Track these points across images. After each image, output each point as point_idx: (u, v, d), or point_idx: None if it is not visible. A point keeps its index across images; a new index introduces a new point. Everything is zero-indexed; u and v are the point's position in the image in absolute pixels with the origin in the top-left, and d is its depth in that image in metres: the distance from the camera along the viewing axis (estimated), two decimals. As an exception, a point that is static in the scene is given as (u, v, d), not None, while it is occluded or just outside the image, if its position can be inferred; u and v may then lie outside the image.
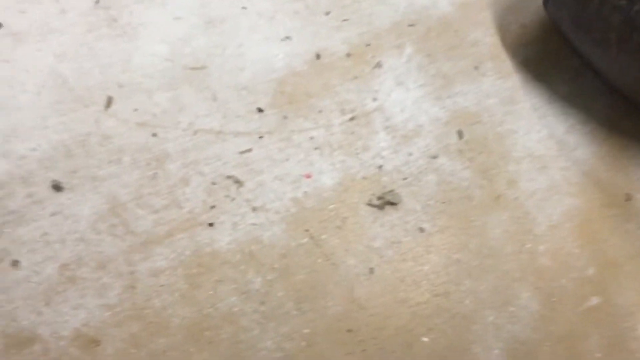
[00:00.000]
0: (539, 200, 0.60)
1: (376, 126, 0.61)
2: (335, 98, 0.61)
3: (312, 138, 0.60)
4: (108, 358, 0.52)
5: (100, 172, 0.56)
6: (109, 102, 0.58)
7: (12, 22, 0.60)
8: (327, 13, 0.65)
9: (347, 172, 0.59)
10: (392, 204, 0.58)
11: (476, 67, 0.64)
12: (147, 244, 0.55)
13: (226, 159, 0.58)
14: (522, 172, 0.61)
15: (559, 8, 0.60)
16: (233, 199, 0.57)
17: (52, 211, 0.55)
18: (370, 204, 0.59)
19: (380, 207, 0.59)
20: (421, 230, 0.58)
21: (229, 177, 0.57)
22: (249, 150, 0.58)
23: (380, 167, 0.60)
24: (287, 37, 0.64)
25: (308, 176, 0.58)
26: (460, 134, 0.62)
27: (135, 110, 0.58)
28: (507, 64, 0.63)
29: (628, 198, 0.61)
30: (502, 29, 0.67)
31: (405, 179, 0.59)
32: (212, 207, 0.57)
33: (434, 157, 0.60)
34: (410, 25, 0.65)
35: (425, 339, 0.56)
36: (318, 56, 0.62)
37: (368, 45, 0.64)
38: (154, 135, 0.58)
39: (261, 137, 0.59)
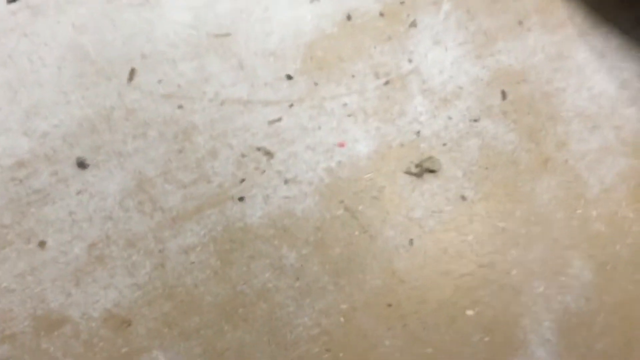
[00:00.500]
0: (590, 162, 0.57)
1: (413, 90, 0.58)
2: (369, 61, 0.59)
3: (345, 104, 0.57)
4: (140, 338, 0.52)
5: (125, 147, 0.55)
6: (132, 74, 0.57)
7: (30, -6, 0.59)
8: (358, -29, 0.63)
9: (383, 139, 0.57)
10: (431, 171, 0.56)
11: (520, 22, 0.61)
12: (176, 220, 0.54)
13: (255, 130, 0.56)
14: (572, 133, 0.58)
15: None
16: (263, 172, 0.55)
17: (78, 189, 0.54)
18: (408, 172, 0.56)
19: (419, 175, 0.56)
20: (463, 198, 0.56)
21: (258, 148, 0.56)
22: (279, 119, 0.56)
23: (418, 132, 0.57)
24: (316, -2, 0.61)
25: (342, 145, 0.56)
26: (503, 95, 0.59)
27: (160, 81, 0.57)
28: (554, 16, 0.59)
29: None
30: (547, -20, 0.63)
31: (444, 144, 0.57)
32: (242, 180, 0.55)
33: (476, 120, 0.58)
34: (447, -21, 0.62)
35: (470, 312, 0.54)
36: (349, 17, 0.60)
37: (402, 2, 0.61)
38: (180, 107, 0.56)
39: (291, 105, 0.57)
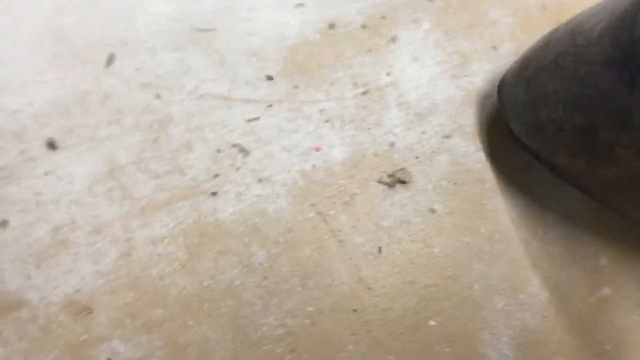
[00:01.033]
0: (550, 186, 0.60)
1: (389, 102, 0.60)
2: (348, 70, 0.61)
3: (322, 110, 0.59)
4: (100, 327, 0.51)
5: (99, 132, 0.55)
6: (111, 59, 0.57)
7: (9, -30, 0.59)
8: (340, -16, 0.65)
9: (358, 147, 0.59)
10: (403, 182, 0.58)
11: (494, 47, 0.64)
12: (146, 210, 0.54)
13: (232, 127, 0.57)
14: (537, 156, 0.61)
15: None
16: (238, 169, 0.56)
17: (46, 170, 0.53)
18: (380, 181, 0.58)
19: (391, 185, 0.58)
20: (432, 211, 0.58)
21: (234, 145, 0.56)
22: (257, 118, 0.57)
23: (392, 144, 0.59)
24: (301, 4, 0.63)
25: (318, 149, 0.58)
26: (475, 115, 0.61)
27: (138, 69, 0.57)
28: (526, 45, 0.63)
29: None
30: (522, 10, 0.66)
31: (417, 157, 0.59)
32: (216, 175, 0.55)
33: (448, 136, 0.60)
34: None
35: (432, 323, 0.55)
36: (332, 26, 0.62)
37: (384, 17, 0.63)
38: (158, 97, 0.56)
39: (270, 105, 0.58)
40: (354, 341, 0.54)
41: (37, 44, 0.56)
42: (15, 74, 0.55)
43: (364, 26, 0.63)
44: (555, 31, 0.53)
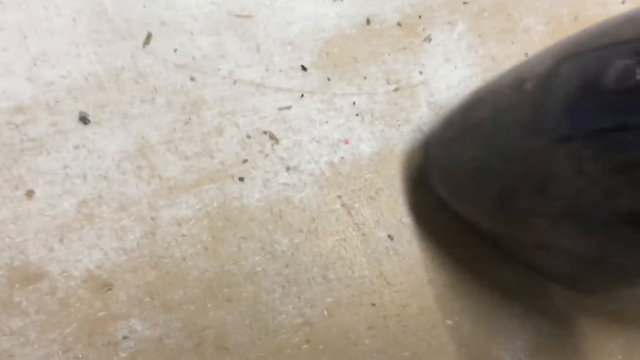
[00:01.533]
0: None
1: (420, 100, 0.58)
2: (382, 66, 0.58)
3: (354, 103, 0.56)
4: (119, 304, 0.48)
5: (131, 109, 0.52)
6: (149, 38, 0.54)
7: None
8: (378, -19, 0.62)
9: (387, 142, 0.56)
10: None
11: (526, 54, 0.61)
12: (173, 191, 0.51)
13: (264, 114, 0.54)
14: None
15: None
16: (267, 156, 0.53)
17: (76, 144, 0.50)
18: (406, 179, 0.55)
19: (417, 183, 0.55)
20: (456, 211, 0.55)
21: (265, 132, 0.53)
22: (289, 107, 0.54)
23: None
24: (339, -2, 0.60)
25: (347, 142, 0.55)
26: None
27: (175, 50, 0.54)
28: (557, 54, 0.60)
29: None
30: (555, 19, 0.64)
31: (444, 157, 0.56)
32: (245, 161, 0.53)
33: (475, 139, 0.57)
34: (465, 2, 0.62)
35: (449, 322, 0.53)
36: (368, 21, 0.59)
37: (420, 17, 0.60)
38: (192, 79, 0.53)
39: (302, 95, 0.55)
40: (371, 335, 0.51)
41: (76, 17, 0.53)
42: (53, 45, 0.52)
43: (399, 24, 0.60)
44: (477, 92, 0.50)
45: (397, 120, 0.56)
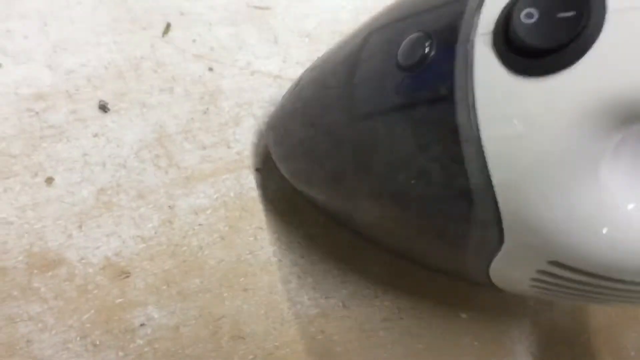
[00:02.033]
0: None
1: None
2: (398, 59, 0.56)
3: (370, 96, 0.54)
4: (137, 292, 0.47)
5: (150, 99, 0.50)
6: (168, 28, 0.52)
7: None
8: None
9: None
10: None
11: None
12: (190, 180, 0.49)
13: (281, 105, 0.52)
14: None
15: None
16: (284, 147, 0.52)
17: (95, 132, 0.49)
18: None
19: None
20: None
21: (282, 123, 0.52)
22: (306, 99, 0.53)
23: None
24: (358, -10, 0.58)
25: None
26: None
27: (194, 41, 0.53)
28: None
29: None
30: None
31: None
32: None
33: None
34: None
35: (463, 315, 0.51)
36: (386, 14, 0.57)
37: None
38: (210, 69, 0.52)
39: (320, 87, 0.54)
40: (385, 327, 0.50)
41: (96, 6, 0.52)
42: (73, 33, 0.51)
43: (416, 18, 0.58)
44: (309, 68, 0.47)
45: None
